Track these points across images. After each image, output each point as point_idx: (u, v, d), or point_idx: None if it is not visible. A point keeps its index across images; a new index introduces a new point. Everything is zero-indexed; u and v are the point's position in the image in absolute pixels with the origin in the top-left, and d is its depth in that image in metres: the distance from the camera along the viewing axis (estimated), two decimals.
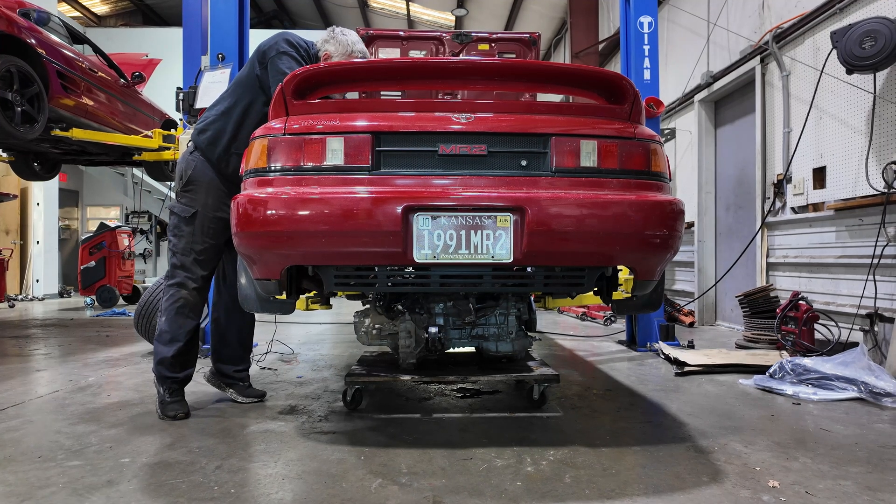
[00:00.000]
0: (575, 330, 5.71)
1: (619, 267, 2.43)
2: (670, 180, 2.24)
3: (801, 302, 3.98)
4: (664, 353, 4.02)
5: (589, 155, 2.06)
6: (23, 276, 10.27)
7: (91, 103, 5.34)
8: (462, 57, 4.69)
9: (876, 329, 3.66)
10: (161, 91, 7.37)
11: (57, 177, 7.82)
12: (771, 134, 5.17)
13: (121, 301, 8.81)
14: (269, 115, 2.20)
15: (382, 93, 4.33)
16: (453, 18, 13.11)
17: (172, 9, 14.66)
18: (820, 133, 4.52)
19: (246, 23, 4.38)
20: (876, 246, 3.73)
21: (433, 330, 2.64)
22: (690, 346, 4.35)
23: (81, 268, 8.54)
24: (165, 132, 6.26)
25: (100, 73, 5.58)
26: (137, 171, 9.94)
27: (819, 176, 4.53)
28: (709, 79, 6.08)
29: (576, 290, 2.56)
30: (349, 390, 2.65)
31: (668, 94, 6.79)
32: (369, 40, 4.76)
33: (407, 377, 2.62)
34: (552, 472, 1.93)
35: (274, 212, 1.96)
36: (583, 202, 1.97)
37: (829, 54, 4.15)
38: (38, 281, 10.29)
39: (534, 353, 3.19)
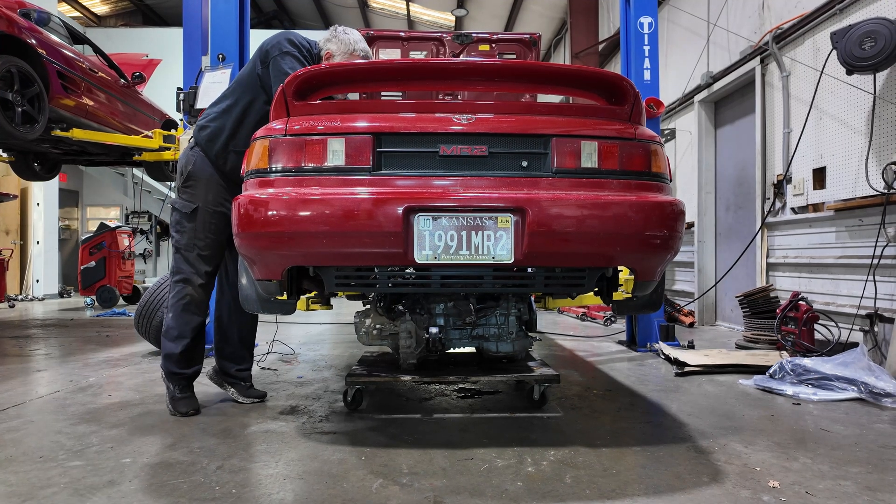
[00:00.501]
0: (575, 330, 5.72)
1: (619, 267, 2.43)
2: (670, 181, 2.24)
3: (801, 302, 3.98)
4: (664, 354, 4.02)
5: (589, 156, 2.07)
6: (23, 277, 10.27)
7: (91, 103, 5.34)
8: (462, 58, 4.69)
9: (876, 329, 3.67)
10: (161, 91, 7.38)
11: (57, 177, 7.82)
12: (771, 134, 5.17)
13: (121, 301, 8.81)
14: (270, 116, 2.20)
15: (383, 94, 4.34)
16: (453, 19, 13.11)
17: (172, 9, 14.66)
18: (820, 133, 4.52)
19: (246, 23, 4.38)
20: (876, 246, 3.74)
21: (434, 330, 2.65)
22: (690, 346, 4.35)
23: (81, 268, 8.54)
24: (166, 132, 6.26)
25: (100, 74, 5.59)
26: (137, 172, 9.94)
27: (819, 176, 4.54)
28: (709, 79, 6.09)
29: (576, 290, 2.56)
30: (350, 390, 2.65)
31: (668, 94, 6.79)
32: (370, 41, 4.76)
33: (407, 377, 2.63)
34: (553, 473, 1.93)
35: (275, 212, 1.97)
36: (583, 203, 1.97)
37: (829, 55, 4.16)
38: (38, 281, 10.29)
39: (534, 354, 3.19)
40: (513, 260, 1.98)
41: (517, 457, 2.08)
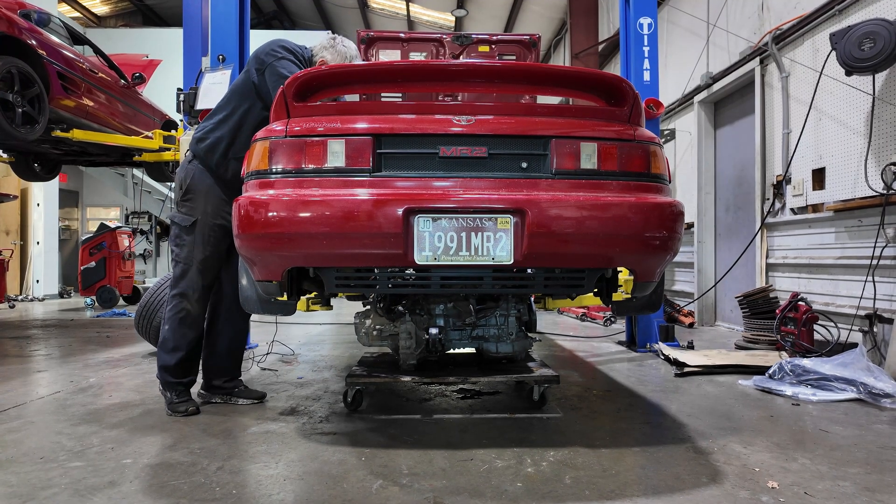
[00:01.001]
0: (575, 331, 5.72)
1: (618, 268, 2.44)
2: (670, 181, 2.25)
3: (800, 303, 3.99)
4: (664, 354, 4.02)
5: (589, 157, 2.07)
6: (23, 277, 10.28)
7: (91, 104, 5.35)
8: (462, 59, 4.70)
9: (875, 330, 3.67)
10: (161, 92, 7.38)
11: (57, 177, 7.83)
12: (770, 135, 5.18)
13: (121, 301, 8.81)
14: (270, 118, 2.21)
15: (383, 95, 4.34)
16: (453, 19, 13.12)
17: (173, 9, 14.67)
18: (819, 134, 4.53)
19: (246, 23, 4.39)
20: (875, 247, 3.74)
21: (433, 331, 2.65)
22: (690, 346, 4.35)
23: (81, 268, 8.54)
24: (166, 133, 6.27)
25: (100, 74, 5.59)
26: (137, 172, 9.94)
27: (818, 177, 4.54)
28: (708, 80, 6.09)
29: (576, 291, 2.57)
30: (350, 391, 2.66)
31: (668, 94, 6.80)
32: (370, 42, 4.77)
33: (407, 378, 2.63)
34: (552, 473, 1.93)
35: (275, 214, 1.97)
36: (583, 204, 1.98)
37: (828, 56, 4.16)
38: (38, 281, 10.29)
39: (534, 354, 3.19)
40: (512, 261, 1.98)
41: (517, 457, 2.08)
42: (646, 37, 4.40)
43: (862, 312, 3.78)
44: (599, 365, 3.92)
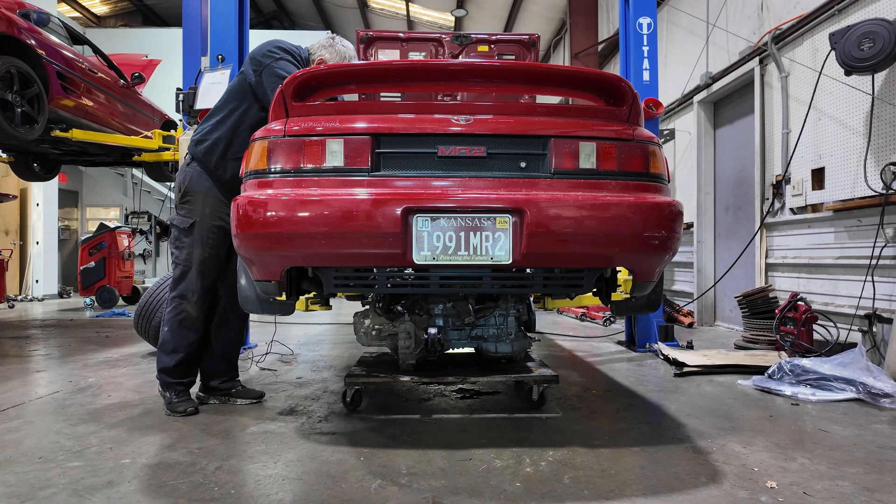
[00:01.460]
0: (574, 330, 5.72)
1: (617, 268, 2.44)
2: (669, 181, 2.25)
3: (799, 303, 3.99)
4: (663, 354, 4.02)
5: (588, 157, 2.07)
6: (22, 277, 10.27)
7: (91, 104, 5.35)
8: (461, 59, 4.70)
9: (874, 330, 3.67)
10: (161, 92, 7.37)
11: (56, 177, 7.83)
12: (770, 135, 5.18)
13: (120, 301, 8.81)
14: (269, 117, 2.20)
15: (382, 95, 4.34)
16: (453, 19, 13.12)
17: (172, 9, 14.67)
18: (818, 134, 4.53)
19: (246, 23, 4.39)
20: (874, 247, 3.74)
21: (433, 331, 2.65)
22: (689, 346, 4.35)
23: (81, 268, 8.54)
24: (165, 133, 6.26)
25: (99, 74, 5.59)
26: (137, 172, 9.94)
27: (818, 177, 4.54)
28: (708, 80, 6.09)
29: (575, 291, 2.57)
30: (349, 391, 2.66)
31: (668, 94, 6.80)
32: (369, 42, 4.77)
33: (406, 378, 2.63)
34: (551, 473, 1.93)
35: (274, 213, 1.97)
36: (582, 204, 1.98)
37: (827, 56, 4.16)
38: (37, 281, 10.29)
39: (533, 354, 3.19)
40: (511, 261, 1.98)
41: (516, 457, 2.08)
42: (645, 36, 4.40)
43: (861, 312, 3.78)
44: (599, 365, 3.91)
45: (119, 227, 9.00)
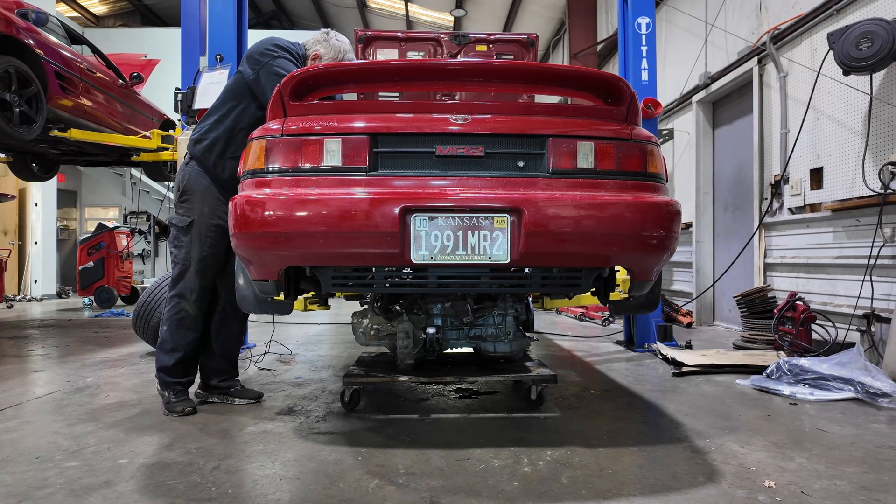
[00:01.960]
0: (573, 330, 5.72)
1: (616, 268, 2.44)
2: (667, 181, 2.25)
3: (798, 302, 3.99)
4: (662, 354, 4.02)
5: (586, 156, 2.07)
6: (21, 277, 10.26)
7: (89, 104, 5.34)
8: (460, 58, 4.70)
9: (873, 329, 3.67)
10: (159, 92, 7.37)
11: (55, 177, 7.82)
12: (768, 135, 5.18)
13: (119, 301, 8.80)
14: (266, 116, 2.20)
15: (380, 94, 4.34)
16: (452, 19, 13.12)
17: (171, 9, 14.66)
18: (817, 134, 4.53)
19: (244, 23, 4.38)
20: (873, 246, 3.74)
21: (431, 330, 2.65)
22: (688, 346, 4.35)
23: (80, 268, 8.53)
24: (164, 133, 6.26)
25: (98, 74, 5.58)
26: (136, 172, 9.93)
27: (816, 177, 4.54)
28: (706, 80, 6.09)
29: (573, 290, 2.57)
30: (347, 391, 2.65)
31: (666, 94, 6.80)
32: (367, 41, 4.77)
33: (405, 378, 2.63)
34: (549, 473, 1.93)
35: (271, 213, 1.96)
36: (580, 203, 1.98)
37: (825, 55, 4.16)
38: (36, 281, 10.28)
39: (531, 354, 3.19)
40: (509, 260, 1.98)
41: (514, 457, 2.08)
42: (644, 36, 4.40)
43: (859, 312, 3.79)
44: (597, 364, 3.91)
45: (118, 227, 8.99)
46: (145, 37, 12.75)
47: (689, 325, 5.96)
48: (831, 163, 4.36)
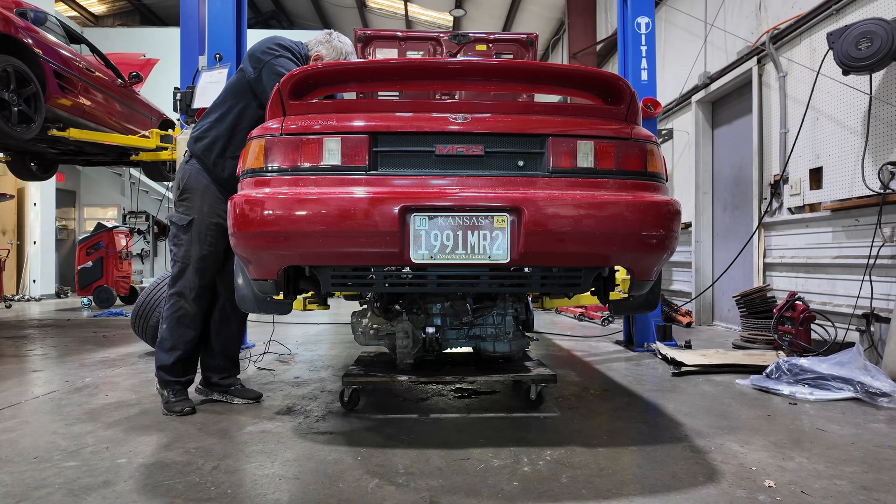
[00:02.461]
0: (572, 330, 5.72)
1: (616, 267, 2.43)
2: (667, 181, 2.24)
3: (797, 302, 3.99)
4: (661, 354, 4.02)
5: (585, 155, 2.07)
6: (19, 277, 10.25)
7: (88, 103, 5.33)
8: (459, 57, 4.69)
9: (872, 329, 3.67)
10: (159, 91, 7.36)
11: (54, 177, 7.81)
12: (768, 135, 5.18)
13: (118, 301, 8.79)
14: (266, 115, 2.20)
15: (380, 93, 4.33)
16: (451, 19, 13.12)
17: (170, 9, 14.65)
18: (816, 134, 4.53)
19: (243, 23, 4.38)
20: (872, 246, 3.74)
21: (430, 330, 2.65)
22: (687, 346, 4.35)
23: (78, 268, 8.52)
24: (163, 132, 6.25)
25: (97, 73, 5.58)
26: (135, 172, 9.92)
27: (815, 176, 4.54)
28: (706, 79, 6.09)
29: (573, 290, 2.56)
30: (346, 391, 2.65)
31: (666, 94, 6.80)
32: (367, 41, 4.76)
33: (404, 377, 2.62)
34: (549, 472, 1.93)
35: (271, 212, 1.96)
36: (579, 202, 1.97)
37: (825, 55, 4.16)
38: (34, 281, 10.26)
39: (531, 354, 3.19)
40: (509, 260, 1.98)
41: (513, 457, 2.07)
42: (643, 36, 4.40)
43: (859, 312, 3.79)
44: (597, 364, 3.91)
45: (117, 226, 8.98)
46: (144, 36, 12.74)
47: (689, 324, 5.96)
48: (831, 163, 4.36)
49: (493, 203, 1.96)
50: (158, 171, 6.94)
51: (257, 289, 2.18)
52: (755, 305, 4.72)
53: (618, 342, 4.84)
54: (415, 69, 2.34)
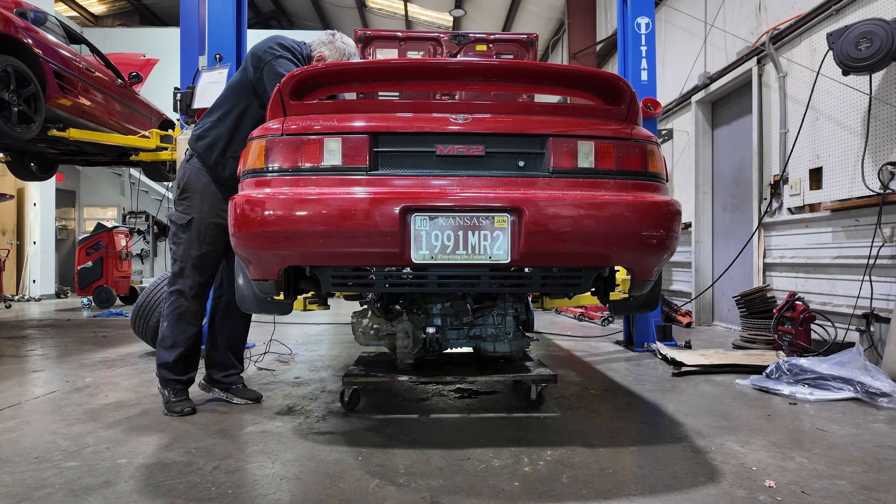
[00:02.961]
0: (573, 330, 5.72)
1: (616, 267, 2.44)
2: (667, 181, 2.25)
3: (797, 302, 3.99)
4: (661, 354, 4.02)
5: (586, 156, 2.07)
6: (19, 277, 10.24)
7: (88, 103, 5.33)
8: (460, 58, 4.69)
9: (872, 329, 3.67)
10: (158, 91, 7.36)
11: (54, 177, 7.80)
12: (768, 135, 5.18)
13: (118, 301, 8.79)
14: (266, 116, 2.20)
15: (380, 93, 4.33)
16: (451, 19, 13.12)
17: (170, 9, 14.65)
18: (816, 134, 4.53)
19: (243, 23, 4.38)
20: (872, 246, 3.75)
21: (431, 330, 2.65)
22: (687, 346, 4.35)
23: (78, 268, 8.52)
24: (163, 132, 6.25)
25: (97, 74, 5.57)
26: (135, 172, 9.92)
27: (815, 177, 4.55)
28: (706, 80, 6.10)
29: (573, 290, 2.56)
30: (347, 391, 2.65)
31: (666, 94, 6.80)
32: (367, 41, 4.76)
33: (405, 378, 2.62)
34: (549, 473, 1.93)
35: (271, 212, 1.96)
36: (580, 203, 1.97)
37: (825, 56, 4.17)
38: (34, 281, 10.26)
39: (531, 354, 3.19)
40: (509, 260, 1.98)
41: (514, 457, 2.08)
42: (643, 36, 4.40)
43: (859, 312, 3.79)
44: (597, 364, 3.91)
45: (116, 226, 8.98)
46: (144, 36, 12.74)
47: (689, 324, 5.97)
48: (830, 163, 4.37)
49: (494, 203, 1.96)
50: (158, 171, 6.94)
51: (258, 289, 2.18)
52: (755, 305, 4.72)
53: (618, 342, 4.84)
54: (415, 69, 2.34)
